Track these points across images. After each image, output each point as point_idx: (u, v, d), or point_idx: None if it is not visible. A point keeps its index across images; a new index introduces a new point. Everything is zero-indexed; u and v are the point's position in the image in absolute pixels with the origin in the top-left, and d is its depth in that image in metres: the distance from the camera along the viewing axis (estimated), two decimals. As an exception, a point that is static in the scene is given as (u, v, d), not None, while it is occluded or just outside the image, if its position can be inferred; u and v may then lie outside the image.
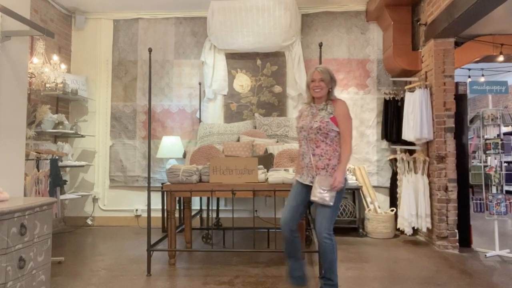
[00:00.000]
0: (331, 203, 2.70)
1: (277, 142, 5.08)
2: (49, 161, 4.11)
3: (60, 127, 4.90)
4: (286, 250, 2.93)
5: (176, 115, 5.74)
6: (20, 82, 2.91)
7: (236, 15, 5.22)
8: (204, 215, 5.52)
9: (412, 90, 4.73)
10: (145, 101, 5.75)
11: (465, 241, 4.43)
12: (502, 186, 4.30)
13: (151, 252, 3.57)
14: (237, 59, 5.64)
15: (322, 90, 2.86)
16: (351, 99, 5.56)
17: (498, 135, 4.39)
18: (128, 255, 4.15)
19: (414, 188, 4.63)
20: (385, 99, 5.31)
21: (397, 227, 4.84)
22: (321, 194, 2.70)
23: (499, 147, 4.28)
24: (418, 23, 4.90)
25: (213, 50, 5.57)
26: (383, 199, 5.44)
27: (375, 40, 5.57)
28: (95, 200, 5.73)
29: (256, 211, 5.00)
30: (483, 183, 4.33)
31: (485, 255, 4.08)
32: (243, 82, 5.63)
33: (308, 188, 2.85)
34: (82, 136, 5.41)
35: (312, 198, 2.75)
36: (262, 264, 3.78)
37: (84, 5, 5.59)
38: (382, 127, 5.36)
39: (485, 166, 4.35)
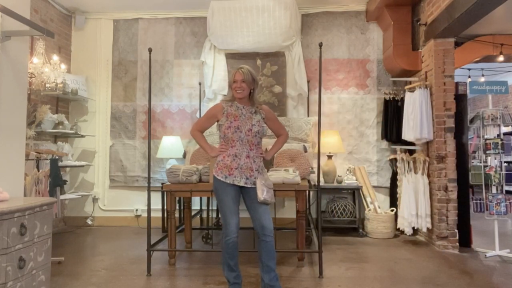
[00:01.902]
0: (274, 200, 2.86)
1: (277, 142, 5.06)
2: (49, 161, 4.11)
3: (60, 127, 4.90)
4: (230, 258, 2.82)
5: (176, 115, 5.74)
6: (20, 82, 2.91)
7: (236, 15, 5.22)
8: (204, 215, 5.53)
9: (412, 90, 4.73)
10: (145, 101, 5.75)
11: (465, 241, 4.43)
12: (502, 186, 4.30)
13: (151, 252, 3.57)
14: (237, 59, 5.63)
15: (244, 91, 2.90)
16: (351, 99, 5.56)
17: (498, 135, 4.39)
18: (128, 255, 4.15)
19: (414, 188, 4.63)
20: (385, 99, 5.30)
21: (397, 227, 4.84)
22: (268, 194, 2.80)
23: (499, 147, 4.28)
24: (418, 23, 4.90)
25: (213, 50, 5.56)
26: (383, 199, 5.44)
27: (375, 40, 5.57)
28: (95, 200, 5.73)
29: (256, 211, 4.98)
30: (483, 183, 4.33)
31: (485, 255, 4.08)
32: (243, 82, 5.62)
33: (239, 190, 2.87)
34: (82, 136, 5.40)
35: (264, 197, 2.78)
36: (262, 264, 3.77)
37: (84, 5, 5.59)
38: (382, 127, 5.36)
39: (485, 166, 4.35)
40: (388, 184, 5.42)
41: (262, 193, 2.79)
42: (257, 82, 2.99)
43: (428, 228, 4.53)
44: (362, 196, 5.25)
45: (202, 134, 3.11)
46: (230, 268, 2.85)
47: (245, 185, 2.85)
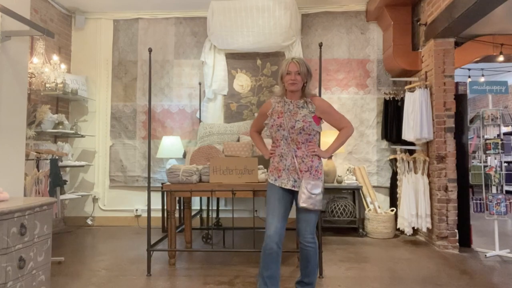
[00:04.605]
0: (321, 207, 2.56)
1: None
2: (49, 161, 4.11)
3: (60, 127, 4.90)
4: (266, 268, 2.50)
5: (176, 115, 5.74)
6: (20, 82, 2.91)
7: (236, 15, 5.22)
8: (204, 215, 5.52)
9: (412, 90, 4.73)
10: (145, 101, 5.75)
11: (465, 241, 4.43)
12: (502, 186, 4.30)
13: (151, 252, 3.57)
14: (237, 59, 5.63)
15: (298, 84, 2.61)
16: (351, 99, 5.56)
17: (498, 135, 4.39)
18: (128, 255, 4.15)
19: (414, 188, 4.63)
20: (385, 99, 5.31)
21: (397, 227, 4.84)
22: (312, 199, 2.50)
23: (499, 147, 4.28)
24: (418, 23, 4.90)
25: (213, 50, 5.56)
26: (383, 199, 5.44)
27: (375, 40, 5.57)
28: (95, 200, 5.73)
29: (256, 211, 4.99)
30: (483, 183, 4.33)
31: (485, 255, 4.08)
32: (243, 82, 5.63)
33: (290, 193, 2.64)
34: (82, 136, 5.41)
35: (302, 204, 2.50)
36: (262, 264, 3.77)
37: (84, 5, 5.59)
38: (382, 127, 5.36)
39: (485, 166, 4.35)
40: (388, 184, 5.42)
41: (301, 199, 2.50)
42: (311, 74, 2.67)
43: (428, 228, 4.53)
44: (362, 196, 5.26)
45: (259, 134, 2.93)
46: (263, 281, 2.50)
47: (293, 188, 2.59)
